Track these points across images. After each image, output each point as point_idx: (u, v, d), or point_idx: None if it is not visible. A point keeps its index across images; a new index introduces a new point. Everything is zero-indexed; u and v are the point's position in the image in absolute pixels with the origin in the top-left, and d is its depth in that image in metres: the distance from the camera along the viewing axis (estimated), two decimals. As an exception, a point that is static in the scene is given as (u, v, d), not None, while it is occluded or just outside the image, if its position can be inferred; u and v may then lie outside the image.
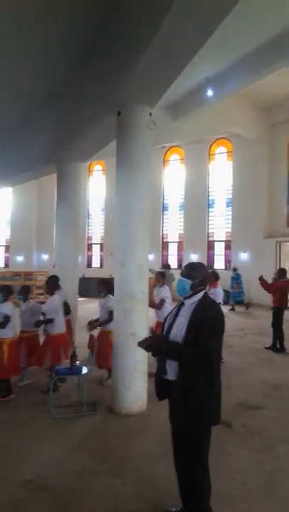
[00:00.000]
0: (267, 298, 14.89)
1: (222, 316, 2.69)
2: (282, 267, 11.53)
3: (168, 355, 2.65)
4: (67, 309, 6.35)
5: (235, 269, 15.15)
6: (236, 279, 14.81)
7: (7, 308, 5.35)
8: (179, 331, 2.63)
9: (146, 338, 2.76)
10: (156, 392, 2.83)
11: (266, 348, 8.40)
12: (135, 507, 3.04)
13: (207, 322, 2.54)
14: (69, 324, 6.83)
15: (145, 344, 2.68)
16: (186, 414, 2.57)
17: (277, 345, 8.30)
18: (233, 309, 14.46)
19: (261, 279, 8.25)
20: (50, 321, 5.63)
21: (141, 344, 2.71)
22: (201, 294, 2.72)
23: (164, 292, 6.49)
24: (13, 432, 4.38)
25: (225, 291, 15.84)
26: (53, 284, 6.08)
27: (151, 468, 3.58)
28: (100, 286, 6.26)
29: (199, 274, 2.76)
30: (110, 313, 5.58)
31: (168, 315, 2.88)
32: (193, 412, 2.56)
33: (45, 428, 4.47)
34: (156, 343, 2.66)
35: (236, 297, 14.54)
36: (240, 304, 14.82)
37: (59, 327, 5.74)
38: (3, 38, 5.70)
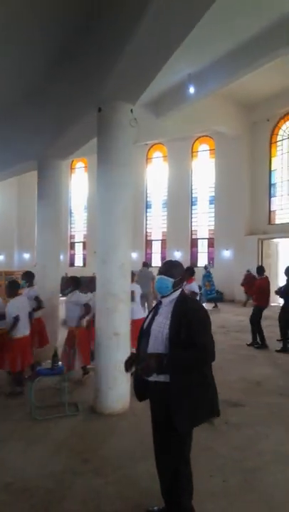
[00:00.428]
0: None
1: (204, 310, 2.71)
2: (261, 264, 11.61)
3: (173, 370, 2.49)
4: (39, 304, 6.30)
5: (206, 268, 15.28)
6: (207, 277, 14.94)
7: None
8: (160, 330, 2.59)
9: (132, 359, 2.71)
10: (135, 392, 2.81)
11: (247, 345, 8.50)
12: (117, 507, 3.03)
13: (196, 319, 2.53)
14: (41, 323, 6.68)
15: (142, 369, 2.54)
16: (184, 415, 2.50)
17: (259, 342, 8.40)
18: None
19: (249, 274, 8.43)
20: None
21: (129, 367, 2.68)
22: (178, 292, 2.73)
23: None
24: (-6, 434, 4.31)
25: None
26: (12, 287, 5.79)
27: (133, 467, 3.57)
28: (67, 282, 6.13)
29: (179, 273, 2.77)
30: (86, 307, 5.60)
31: (146, 316, 2.85)
32: (192, 413, 2.53)
33: (26, 430, 4.41)
34: (153, 363, 2.49)
35: (208, 295, 14.68)
36: (212, 302, 14.95)
37: (20, 331, 5.55)
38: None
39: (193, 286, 7.46)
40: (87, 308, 5.64)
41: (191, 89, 11.97)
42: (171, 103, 13.46)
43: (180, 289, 2.75)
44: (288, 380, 6.15)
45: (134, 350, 3.13)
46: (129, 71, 4.54)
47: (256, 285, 8.55)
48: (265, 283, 8.43)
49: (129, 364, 2.72)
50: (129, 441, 4.09)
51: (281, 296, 8.36)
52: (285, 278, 8.25)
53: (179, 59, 7.92)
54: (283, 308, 8.28)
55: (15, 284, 5.84)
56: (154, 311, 2.77)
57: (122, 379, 4.87)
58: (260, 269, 8.67)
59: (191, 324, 2.49)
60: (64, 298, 6.17)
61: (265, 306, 8.40)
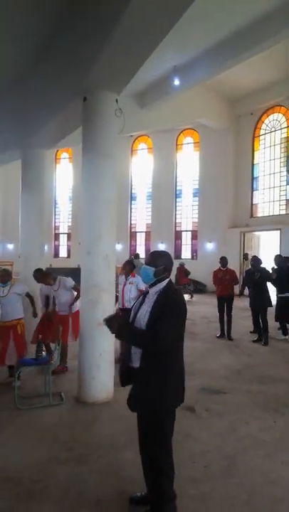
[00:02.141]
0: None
1: (182, 303, 2.70)
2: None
3: (129, 338, 2.67)
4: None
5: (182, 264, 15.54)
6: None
7: None
8: (142, 318, 2.66)
9: (111, 316, 2.71)
10: (119, 377, 2.85)
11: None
12: (100, 494, 3.07)
13: (167, 309, 2.58)
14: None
15: (111, 321, 2.61)
16: (145, 399, 2.63)
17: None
18: None
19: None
20: None
21: (107, 321, 2.64)
22: (164, 282, 2.75)
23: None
24: (-24, 424, 4.30)
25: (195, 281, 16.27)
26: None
27: (116, 456, 3.62)
28: (4, 276, 5.73)
29: (162, 262, 2.79)
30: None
31: (134, 304, 2.90)
32: (151, 398, 2.61)
33: (9, 419, 4.41)
34: (120, 323, 2.63)
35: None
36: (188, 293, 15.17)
37: None
38: None
39: (137, 279, 6.37)
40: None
41: (176, 81, 11.95)
42: (156, 94, 13.41)
43: (167, 280, 2.78)
44: (267, 369, 6.29)
45: None
46: (114, 60, 4.50)
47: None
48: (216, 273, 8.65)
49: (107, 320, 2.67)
50: (112, 430, 4.13)
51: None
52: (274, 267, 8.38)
53: (164, 50, 7.88)
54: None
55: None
56: (142, 299, 2.82)
57: (105, 368, 4.91)
58: (223, 260, 8.76)
59: (162, 314, 2.55)
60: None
61: (219, 295, 8.58)
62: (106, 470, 3.40)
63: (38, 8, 5.27)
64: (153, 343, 2.53)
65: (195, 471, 3.38)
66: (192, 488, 3.14)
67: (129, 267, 6.57)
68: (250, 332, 8.71)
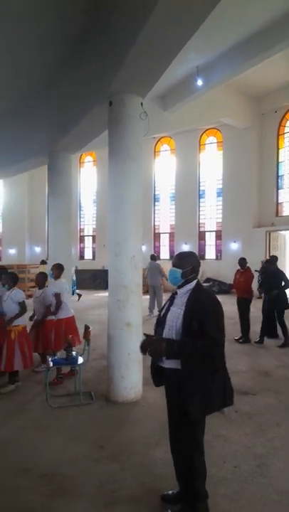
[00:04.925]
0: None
1: (219, 302, 2.72)
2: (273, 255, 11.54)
3: (181, 356, 2.58)
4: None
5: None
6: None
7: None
8: (174, 320, 2.67)
9: (145, 341, 2.73)
10: (152, 378, 2.90)
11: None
12: (133, 491, 3.13)
13: (204, 310, 2.58)
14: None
15: (150, 350, 2.64)
16: (195, 403, 2.59)
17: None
18: None
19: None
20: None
21: (145, 350, 2.69)
22: (193, 283, 2.78)
23: (55, 287, 6.01)
24: (12, 422, 4.45)
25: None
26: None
27: (147, 454, 3.68)
28: (5, 279, 5.68)
29: (189, 263, 2.82)
30: (22, 305, 5.41)
31: (163, 306, 2.94)
32: (203, 401, 2.60)
33: (42, 418, 4.54)
34: (163, 347, 2.58)
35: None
36: None
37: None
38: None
39: (60, 283, 6.00)
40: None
41: (199, 82, 11.92)
42: (178, 96, 13.41)
43: (196, 281, 2.81)
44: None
45: None
46: (139, 64, 4.57)
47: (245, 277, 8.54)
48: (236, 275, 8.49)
49: (143, 347, 2.73)
50: (142, 429, 4.19)
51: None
52: None
53: (186, 51, 7.88)
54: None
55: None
56: (170, 301, 2.84)
57: (134, 368, 4.99)
58: (242, 261, 8.63)
59: (205, 317, 2.55)
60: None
61: (239, 296, 8.45)
62: (138, 468, 3.45)
63: (65, 14, 5.41)
64: (211, 347, 2.53)
65: (226, 470, 3.40)
66: (223, 487, 3.16)
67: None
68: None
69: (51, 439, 4.02)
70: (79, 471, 3.43)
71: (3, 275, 5.80)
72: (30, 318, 6.24)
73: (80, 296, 14.97)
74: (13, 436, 4.10)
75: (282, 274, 8.13)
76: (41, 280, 6.37)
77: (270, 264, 8.43)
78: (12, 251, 22.41)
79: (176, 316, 2.68)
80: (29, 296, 6.41)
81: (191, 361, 2.56)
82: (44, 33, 5.90)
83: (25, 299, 5.50)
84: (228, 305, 10.54)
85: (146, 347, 2.69)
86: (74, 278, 14.29)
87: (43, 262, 15.58)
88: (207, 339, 2.52)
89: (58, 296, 5.83)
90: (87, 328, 5.47)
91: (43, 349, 6.12)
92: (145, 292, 9.66)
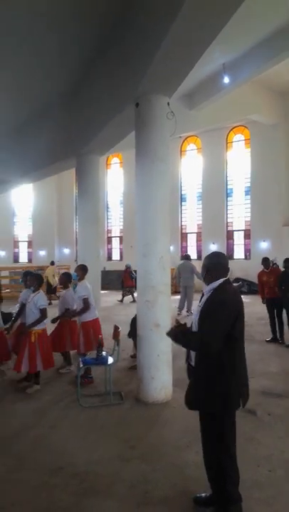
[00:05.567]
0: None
1: (228, 301, 2.66)
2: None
3: (181, 344, 2.78)
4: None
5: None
6: None
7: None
8: (195, 317, 2.81)
9: (171, 328, 2.87)
10: (188, 377, 2.92)
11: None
12: (165, 492, 3.11)
13: (212, 308, 2.66)
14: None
15: (170, 334, 2.81)
16: (196, 400, 2.74)
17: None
18: None
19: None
20: None
21: (168, 334, 2.84)
22: (217, 283, 2.77)
23: (82, 290, 5.98)
24: (45, 421, 4.52)
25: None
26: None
27: (178, 456, 3.65)
28: (31, 280, 5.70)
29: (212, 263, 2.86)
30: (42, 312, 5.39)
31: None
32: (201, 399, 2.70)
33: (73, 417, 4.60)
34: (175, 333, 2.76)
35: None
36: None
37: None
38: (21, 37, 5.77)
39: (84, 286, 5.94)
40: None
41: (226, 79, 11.76)
42: (204, 94, 13.28)
43: (222, 279, 2.78)
44: None
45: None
46: (166, 64, 4.56)
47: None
48: (260, 275, 8.32)
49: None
50: (173, 430, 4.17)
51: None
52: None
53: (211, 49, 7.78)
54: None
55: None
56: (200, 299, 2.90)
57: (164, 369, 4.97)
58: (266, 262, 8.35)
59: (206, 313, 2.67)
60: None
61: (265, 297, 8.26)
62: (170, 469, 3.43)
63: (92, 16, 5.44)
64: (198, 344, 2.64)
65: (260, 474, 3.32)
66: (257, 491, 3.09)
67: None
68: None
69: (82, 439, 4.06)
70: (110, 470, 3.45)
71: (29, 277, 5.89)
72: (53, 321, 6.25)
73: (134, 299, 15.30)
74: (45, 435, 4.16)
75: None
76: (65, 280, 6.51)
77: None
78: (42, 252, 22.87)
79: (196, 312, 2.82)
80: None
81: (198, 356, 2.72)
82: (70, 38, 5.97)
83: (46, 305, 5.50)
84: (257, 306, 10.39)
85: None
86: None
87: (52, 263, 16.12)
88: (197, 334, 2.67)
89: (86, 300, 5.86)
90: (116, 328, 5.49)
91: (61, 349, 6.26)
92: (174, 293, 9.66)
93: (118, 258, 22.11)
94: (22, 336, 5.57)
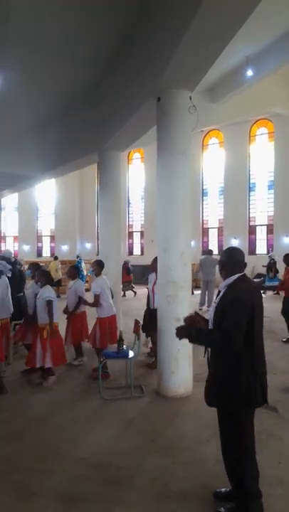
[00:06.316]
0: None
1: (244, 298, 2.63)
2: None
3: (198, 342, 2.81)
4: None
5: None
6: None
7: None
8: (212, 312, 2.79)
9: (180, 326, 2.87)
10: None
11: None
12: (186, 486, 3.13)
13: (228, 303, 2.63)
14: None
15: (177, 333, 2.83)
16: (212, 395, 2.73)
17: None
18: None
19: None
20: None
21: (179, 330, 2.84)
22: (231, 279, 2.75)
23: (96, 286, 5.99)
24: (67, 412, 4.61)
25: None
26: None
27: (199, 450, 3.67)
28: (39, 276, 5.72)
29: (228, 258, 2.85)
30: (50, 304, 5.34)
31: None
32: (218, 394, 2.69)
33: (96, 409, 4.67)
34: (185, 331, 2.77)
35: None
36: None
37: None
38: (45, 33, 5.83)
39: (100, 282, 5.95)
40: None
41: (250, 72, 11.54)
42: (227, 87, 13.05)
43: (238, 275, 2.76)
44: None
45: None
46: (188, 58, 4.53)
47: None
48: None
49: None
50: (193, 425, 4.18)
51: None
52: None
53: (234, 41, 7.64)
54: None
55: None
56: (216, 296, 2.91)
57: (184, 364, 4.98)
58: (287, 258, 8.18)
59: (223, 308, 2.64)
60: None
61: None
62: (190, 463, 3.45)
63: (110, 14, 5.45)
64: (221, 341, 2.59)
65: (281, 471, 3.30)
66: (279, 488, 3.07)
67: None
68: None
69: (104, 430, 4.12)
70: (132, 462, 3.49)
71: (36, 273, 5.93)
72: (64, 311, 6.41)
73: (135, 292, 15.59)
74: (67, 427, 4.24)
75: None
76: (73, 272, 6.77)
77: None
78: (64, 247, 23.16)
79: (212, 308, 2.81)
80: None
81: (214, 351, 2.73)
82: (92, 34, 5.98)
83: (53, 298, 5.43)
84: (280, 302, 10.25)
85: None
86: (84, 272, 14.94)
87: (55, 258, 16.47)
88: (220, 331, 2.61)
89: (96, 297, 5.87)
90: (137, 322, 5.53)
91: (73, 342, 6.36)
92: (194, 287, 9.64)
93: (139, 253, 22.18)
94: (29, 329, 5.79)
